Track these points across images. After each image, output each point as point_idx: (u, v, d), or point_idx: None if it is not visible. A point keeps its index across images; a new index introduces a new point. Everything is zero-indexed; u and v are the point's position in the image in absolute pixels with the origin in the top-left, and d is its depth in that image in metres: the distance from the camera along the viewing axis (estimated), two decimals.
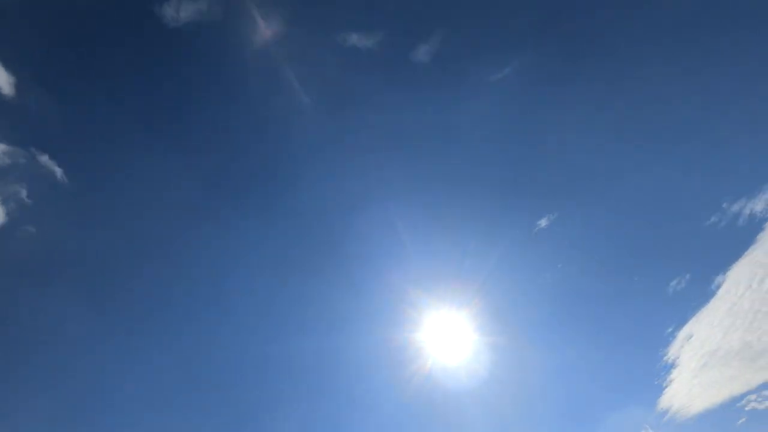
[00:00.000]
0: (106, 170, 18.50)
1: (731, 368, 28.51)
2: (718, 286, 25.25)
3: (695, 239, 22.70)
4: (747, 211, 22.04)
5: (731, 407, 27.99)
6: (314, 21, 17.63)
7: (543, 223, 22.39)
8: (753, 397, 28.06)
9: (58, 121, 16.29)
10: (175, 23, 16.73)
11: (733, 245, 22.72)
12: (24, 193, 15.73)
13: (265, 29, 17.25)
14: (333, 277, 22.47)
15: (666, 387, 28.78)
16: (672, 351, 28.53)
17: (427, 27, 18.31)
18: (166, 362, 20.32)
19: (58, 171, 16.25)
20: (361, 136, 20.24)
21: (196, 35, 17.61)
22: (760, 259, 23.61)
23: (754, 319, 25.88)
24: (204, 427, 20.45)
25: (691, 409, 29.62)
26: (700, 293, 24.82)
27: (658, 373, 28.31)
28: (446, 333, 22.87)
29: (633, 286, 24.78)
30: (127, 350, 19.88)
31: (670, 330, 27.33)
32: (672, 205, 21.83)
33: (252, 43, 16.98)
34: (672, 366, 28.85)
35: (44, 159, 16.13)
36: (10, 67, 14.90)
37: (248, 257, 21.52)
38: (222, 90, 18.53)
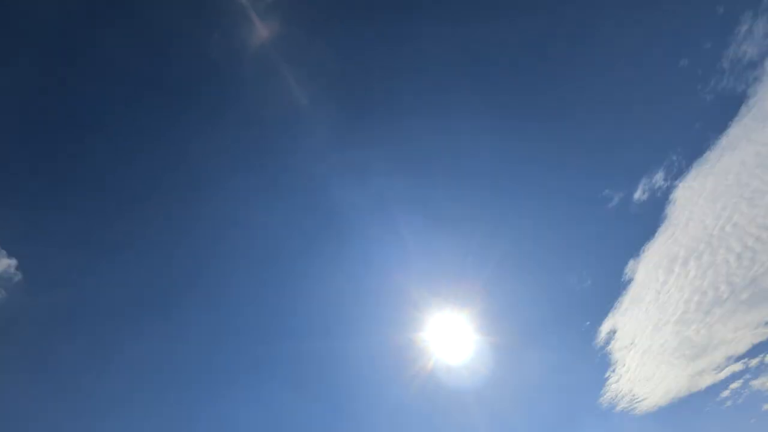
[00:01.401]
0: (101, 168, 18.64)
1: (673, 366, 27.60)
2: (631, 278, 24.01)
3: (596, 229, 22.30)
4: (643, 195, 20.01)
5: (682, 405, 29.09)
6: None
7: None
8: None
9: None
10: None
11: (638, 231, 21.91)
12: None
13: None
14: (335, 277, 23.10)
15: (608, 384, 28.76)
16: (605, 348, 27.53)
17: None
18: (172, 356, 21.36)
19: None
20: (362, 136, 20.54)
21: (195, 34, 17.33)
22: (677, 239, 22.16)
23: (686, 310, 24.56)
24: (208, 424, 21.56)
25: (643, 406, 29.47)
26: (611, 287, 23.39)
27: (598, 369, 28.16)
28: (449, 333, 23.36)
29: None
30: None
31: (587, 324, 26.61)
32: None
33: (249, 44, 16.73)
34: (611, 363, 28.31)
35: None
36: None
37: (248, 258, 22.12)
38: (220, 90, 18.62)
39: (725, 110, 18.74)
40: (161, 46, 17.37)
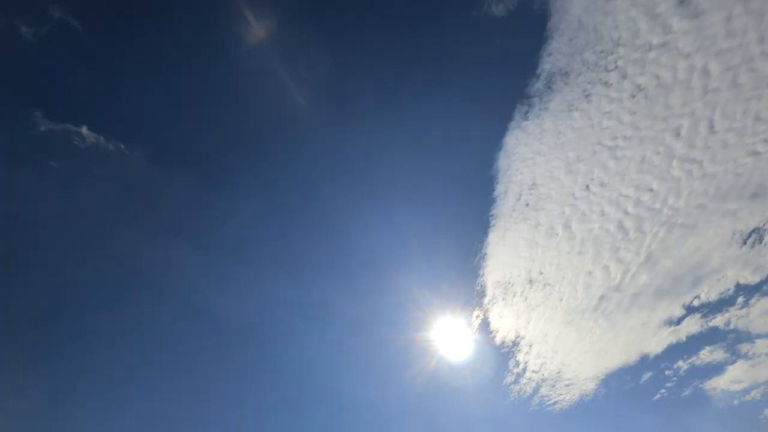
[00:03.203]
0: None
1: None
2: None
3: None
4: None
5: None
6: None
7: None
8: None
9: None
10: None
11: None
12: None
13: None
14: (336, 277, 22.15)
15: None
16: None
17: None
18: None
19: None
20: (362, 136, 18.64)
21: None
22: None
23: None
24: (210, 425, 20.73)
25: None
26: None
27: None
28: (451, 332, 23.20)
29: None
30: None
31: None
32: None
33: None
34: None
35: None
36: None
37: (247, 259, 20.92)
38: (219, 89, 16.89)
39: None
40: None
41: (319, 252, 21.58)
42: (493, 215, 18.45)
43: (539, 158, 16.79)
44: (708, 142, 18.29)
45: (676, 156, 18.30)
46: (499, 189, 17.50)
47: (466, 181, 17.54)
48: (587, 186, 18.32)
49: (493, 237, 19.61)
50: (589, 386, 31.36)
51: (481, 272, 21.12)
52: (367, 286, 22.28)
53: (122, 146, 15.96)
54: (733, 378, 33.36)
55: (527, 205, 18.47)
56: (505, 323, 24.53)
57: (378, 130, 16.74)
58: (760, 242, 25.43)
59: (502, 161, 16.68)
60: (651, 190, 19.36)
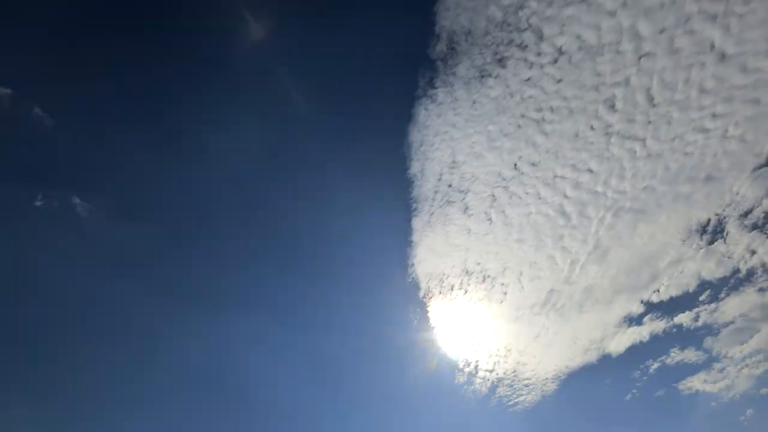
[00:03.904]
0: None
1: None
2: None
3: None
4: None
5: None
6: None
7: None
8: None
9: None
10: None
11: None
12: None
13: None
14: (335, 278, 21.14)
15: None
16: None
17: None
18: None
19: None
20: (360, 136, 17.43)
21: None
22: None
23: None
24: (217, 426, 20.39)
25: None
26: None
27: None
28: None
29: None
30: None
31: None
32: None
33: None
34: None
35: None
36: None
37: (246, 258, 20.18)
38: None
39: None
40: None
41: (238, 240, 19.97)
42: (413, 198, 16.82)
43: (456, 132, 15.16)
44: (649, 116, 16.65)
45: (614, 132, 16.66)
46: (415, 167, 15.88)
47: (377, 161, 15.92)
48: (515, 165, 16.67)
49: (417, 223, 17.98)
50: (551, 386, 29.70)
51: (410, 263, 19.48)
52: (292, 287, 20.67)
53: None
54: (709, 378, 31.77)
55: (450, 186, 16.83)
56: (445, 319, 22.87)
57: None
58: (722, 231, 23.79)
59: (414, 135, 15.06)
60: (590, 170, 17.71)
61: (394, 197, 17.07)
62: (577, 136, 16.34)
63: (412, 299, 20.93)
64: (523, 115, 15.19)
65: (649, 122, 16.76)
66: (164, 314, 19.17)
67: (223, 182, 17.65)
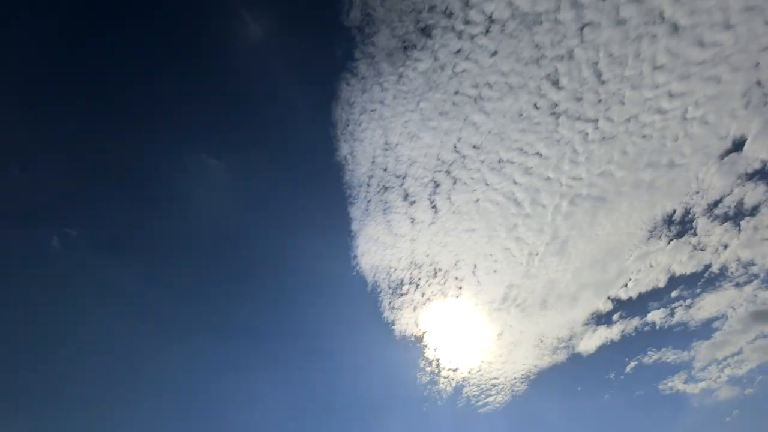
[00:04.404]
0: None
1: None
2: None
3: None
4: None
5: None
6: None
7: None
8: None
9: None
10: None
11: None
12: None
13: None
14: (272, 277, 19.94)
15: None
16: None
17: None
18: None
19: None
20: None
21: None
22: None
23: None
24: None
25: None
26: None
27: None
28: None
29: None
30: None
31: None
32: None
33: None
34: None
35: None
36: None
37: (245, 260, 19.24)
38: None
39: None
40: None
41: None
42: (346, 184, 15.68)
43: (385, 109, 14.03)
44: (598, 94, 15.50)
45: (562, 112, 15.51)
46: (344, 149, 14.72)
47: (300, 143, 14.76)
48: (455, 147, 15.52)
49: (355, 211, 16.82)
50: (521, 386, 28.47)
51: (353, 255, 18.33)
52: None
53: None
54: (690, 379, 30.53)
55: (385, 170, 15.67)
56: (400, 316, 21.70)
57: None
58: (691, 223, 22.59)
59: (338, 113, 13.91)
60: (539, 154, 16.57)
61: (324, 184, 15.95)
62: (520, 115, 15.19)
63: (360, 294, 19.79)
64: (457, 92, 14.06)
65: (600, 101, 15.61)
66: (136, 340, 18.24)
67: None
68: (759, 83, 17.04)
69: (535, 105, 14.98)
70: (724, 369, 29.54)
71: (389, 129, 14.51)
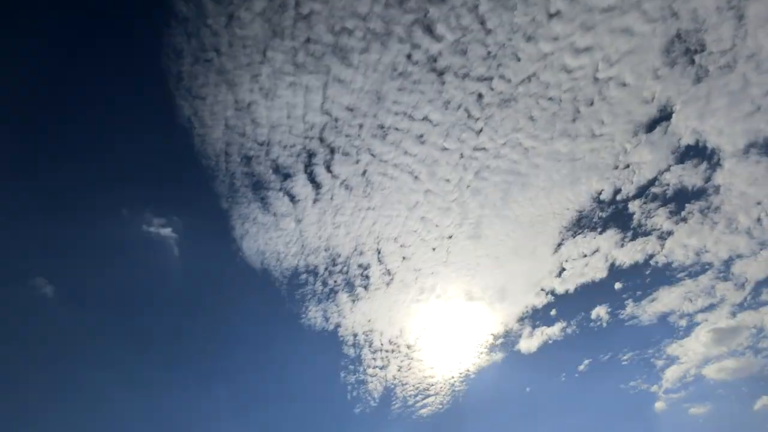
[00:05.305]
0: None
1: None
2: None
3: None
4: None
5: None
6: None
7: None
8: None
9: None
10: None
11: None
12: None
13: None
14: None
15: None
16: None
17: None
18: None
19: None
20: None
21: None
22: None
23: None
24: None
25: None
26: None
27: None
28: None
29: None
30: None
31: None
32: None
33: None
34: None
35: None
36: None
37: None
38: None
39: None
40: None
41: None
42: (198, 152, 13.65)
43: (227, 61, 12.04)
44: (486, 46, 13.46)
45: (445, 67, 13.50)
46: (185, 109, 12.64)
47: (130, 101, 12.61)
48: (323, 108, 13.50)
49: (219, 186, 14.78)
50: (461, 386, 26.25)
51: (231, 237, 16.31)
52: None
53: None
54: (648, 376, 28.31)
55: (243, 135, 13.64)
56: (304, 308, 19.64)
57: None
58: (625, 203, 20.32)
59: (165, 62, 11.88)
60: (428, 119, 14.55)
61: (171, 153, 13.90)
62: (395, 70, 13.17)
63: (250, 284, 17.72)
64: (309, 39, 12.05)
65: (490, 55, 13.56)
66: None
67: None
68: (680, 36, 14.98)
69: (410, 57, 12.97)
70: (682, 364, 27.16)
71: (236, 85, 12.53)
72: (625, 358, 27.57)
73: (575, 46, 14.10)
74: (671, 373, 27.73)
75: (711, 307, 24.77)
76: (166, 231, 15.01)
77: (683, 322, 25.58)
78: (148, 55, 11.62)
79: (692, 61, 15.31)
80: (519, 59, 13.92)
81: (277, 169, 14.68)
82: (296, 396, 23.92)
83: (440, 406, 27.07)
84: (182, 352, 19.59)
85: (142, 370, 19.30)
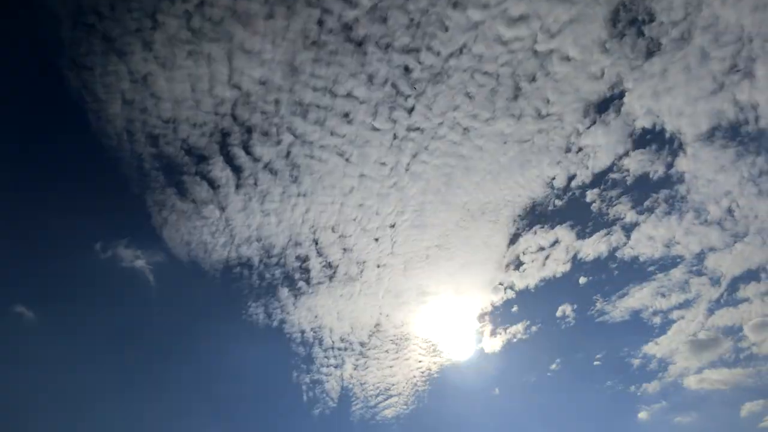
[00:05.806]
0: None
1: None
2: None
3: None
4: None
5: None
6: None
7: None
8: None
9: None
10: None
11: None
12: None
13: None
14: None
15: None
16: None
17: None
18: None
19: None
20: None
21: None
22: None
23: None
24: None
25: None
26: None
27: None
28: None
29: None
30: None
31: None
32: None
33: None
34: None
35: None
36: None
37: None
38: None
39: None
40: None
41: None
42: (95, 129, 12.52)
43: (107, 24, 10.95)
44: (407, 12, 12.33)
45: (363, 37, 12.39)
46: (73, 80, 11.54)
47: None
48: (231, 80, 12.36)
49: (126, 168, 13.64)
50: (423, 386, 24.97)
51: (149, 225, 15.17)
52: None
53: None
54: (624, 379, 26.95)
55: (144, 110, 12.51)
56: (245, 305, 18.49)
57: None
58: (583, 191, 19.01)
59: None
60: (352, 95, 13.42)
61: (62, 134, 12.76)
62: (307, 38, 12.05)
63: (177, 276, 16.54)
64: (203, 2, 10.94)
65: (413, 22, 12.41)
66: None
67: None
68: (625, 5, 13.76)
69: (321, 24, 11.85)
70: (662, 364, 25.71)
71: (127, 53, 11.40)
72: (598, 357, 26.32)
73: (509, 14, 12.95)
74: (652, 387, 26.13)
75: (686, 304, 23.40)
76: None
77: (657, 320, 24.33)
78: (19, 17, 10.52)
79: (641, 33, 14.16)
80: (447, 28, 12.78)
81: (189, 150, 13.56)
82: (248, 396, 22.68)
83: (405, 407, 25.79)
84: (112, 358, 18.31)
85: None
